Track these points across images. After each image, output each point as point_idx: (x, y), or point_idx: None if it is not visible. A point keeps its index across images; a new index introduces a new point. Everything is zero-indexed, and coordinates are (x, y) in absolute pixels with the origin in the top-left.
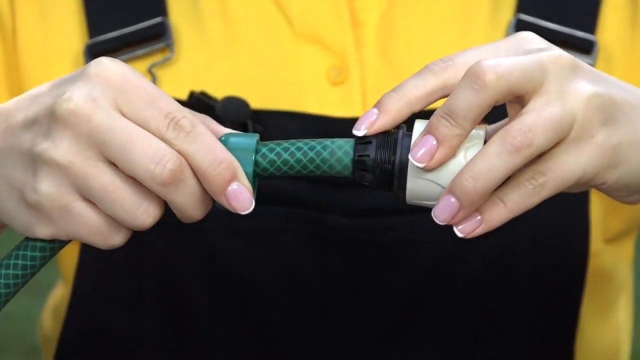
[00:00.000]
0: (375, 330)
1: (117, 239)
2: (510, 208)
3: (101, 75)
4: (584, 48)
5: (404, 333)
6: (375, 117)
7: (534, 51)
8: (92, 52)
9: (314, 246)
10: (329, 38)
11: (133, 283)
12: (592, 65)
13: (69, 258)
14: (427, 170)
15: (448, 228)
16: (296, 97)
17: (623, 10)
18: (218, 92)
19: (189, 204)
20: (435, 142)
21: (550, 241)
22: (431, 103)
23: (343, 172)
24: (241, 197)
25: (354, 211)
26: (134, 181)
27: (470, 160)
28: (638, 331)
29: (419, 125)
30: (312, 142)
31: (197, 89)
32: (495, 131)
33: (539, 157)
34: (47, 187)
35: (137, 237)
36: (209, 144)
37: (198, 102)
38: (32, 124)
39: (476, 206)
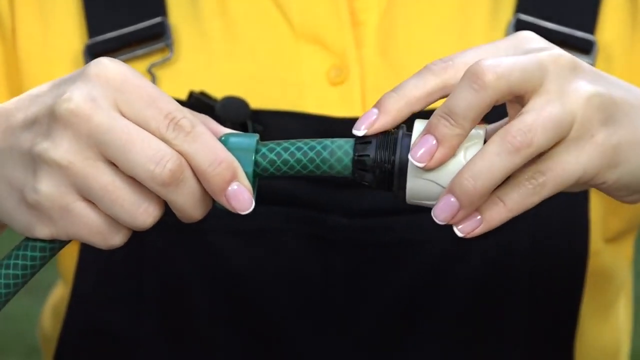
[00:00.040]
0: (375, 330)
1: (117, 239)
2: (510, 208)
3: (101, 76)
4: (584, 48)
5: (404, 333)
6: (375, 117)
7: (533, 51)
8: (92, 52)
9: (314, 246)
10: (328, 38)
11: (133, 283)
12: (592, 65)
13: (68, 258)
14: (426, 170)
15: (448, 228)
16: (296, 97)
17: (623, 10)
18: (218, 92)
19: (189, 204)
20: (435, 141)
21: (550, 241)
22: (431, 103)
23: (343, 172)
24: (241, 197)
25: (354, 211)
26: (134, 181)
27: (470, 160)
28: (638, 331)
29: (419, 125)
30: (312, 142)
31: (197, 89)
32: (495, 131)
33: (539, 156)
34: (47, 187)
35: (137, 237)
36: (209, 144)
37: (198, 102)
38: (32, 124)
39: (476, 206)
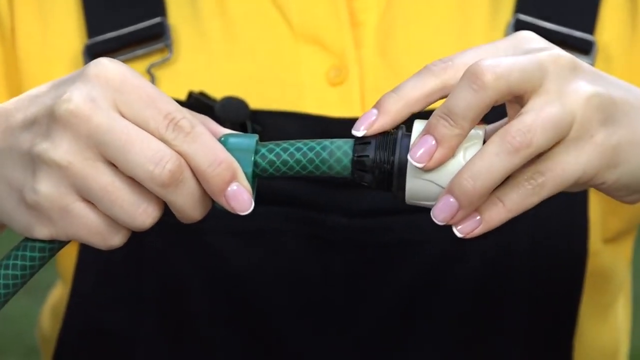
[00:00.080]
0: (374, 330)
1: (116, 240)
2: (509, 208)
3: (100, 76)
4: (583, 48)
5: (403, 333)
6: (374, 117)
7: (533, 51)
8: (91, 52)
9: (314, 246)
10: (328, 38)
11: (132, 283)
12: (591, 65)
13: (67, 258)
14: (426, 170)
15: (447, 228)
16: (295, 97)
17: (622, 11)
18: (217, 92)
19: (188, 205)
20: (434, 142)
21: (549, 241)
22: (430, 104)
23: (342, 173)
24: (240, 198)
25: (353, 211)
26: (134, 182)
27: (469, 160)
28: (637, 331)
29: (418, 126)
30: (312, 143)
31: (196, 89)
32: (494, 131)
33: (538, 157)
34: (46, 187)
35: (136, 238)
36: (208, 145)
37: (197, 103)
38: (31, 124)
39: (475, 206)
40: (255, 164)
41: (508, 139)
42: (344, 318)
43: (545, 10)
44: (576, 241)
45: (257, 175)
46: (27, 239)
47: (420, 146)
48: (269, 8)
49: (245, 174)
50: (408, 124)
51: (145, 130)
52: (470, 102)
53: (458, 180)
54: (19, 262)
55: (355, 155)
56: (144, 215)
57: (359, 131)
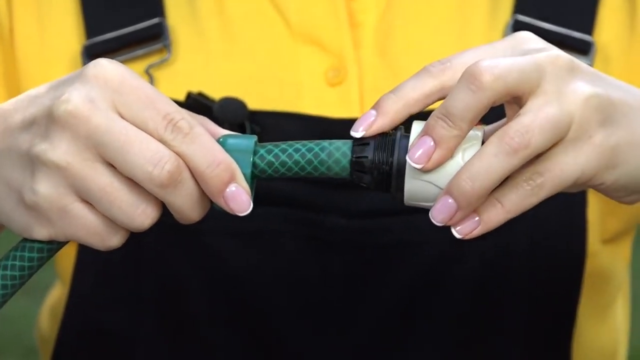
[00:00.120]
0: (374, 331)
1: (114, 240)
2: (508, 209)
3: (99, 77)
4: (582, 49)
5: (403, 333)
6: (373, 118)
7: (532, 51)
8: (90, 53)
9: (312, 247)
10: (326, 39)
11: (131, 284)
12: (590, 66)
13: (66, 259)
14: (424, 171)
15: (446, 229)
16: (294, 97)
17: (621, 11)
18: (215, 92)
19: (187, 206)
20: (432, 143)
21: (548, 242)
22: (429, 104)
23: (341, 174)
24: (239, 199)
25: (352, 212)
26: (132, 182)
27: (467, 161)
28: (635, 331)
29: (417, 127)
30: (310, 144)
31: (195, 89)
32: (493, 132)
33: (537, 157)
34: (45, 188)
35: (135, 238)
36: (207, 146)
37: (195, 103)
38: (30, 125)
39: (474, 207)
40: (254, 165)
41: (506, 140)
42: (343, 319)
43: (544, 11)
44: (575, 242)
45: (256, 176)
46: (25, 240)
47: (418, 147)
48: (268, 8)
49: (244, 175)
50: (407, 125)
51: (144, 131)
52: (469, 103)
53: (456, 181)
54: (17, 263)
55: (354, 156)
56: (143, 216)
57: (357, 132)
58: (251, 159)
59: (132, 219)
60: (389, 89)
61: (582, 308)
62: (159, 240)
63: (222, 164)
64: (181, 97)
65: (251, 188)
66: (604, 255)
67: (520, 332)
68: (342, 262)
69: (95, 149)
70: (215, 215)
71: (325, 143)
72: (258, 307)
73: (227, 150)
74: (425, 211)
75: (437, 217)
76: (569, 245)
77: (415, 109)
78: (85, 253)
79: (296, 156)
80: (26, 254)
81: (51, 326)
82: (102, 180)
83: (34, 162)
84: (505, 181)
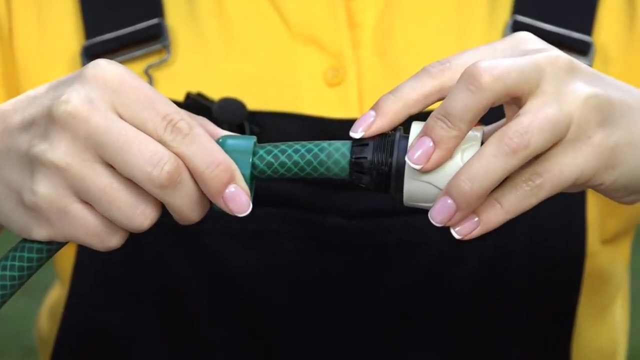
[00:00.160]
0: (374, 331)
1: (114, 241)
2: (507, 209)
3: (98, 77)
4: (581, 49)
5: (403, 334)
6: (372, 119)
7: (531, 52)
8: (89, 54)
9: (312, 248)
10: (325, 39)
11: (130, 284)
12: (589, 66)
13: (65, 259)
14: (423, 172)
15: (445, 230)
16: (293, 98)
17: (620, 11)
18: (214, 93)
19: (186, 206)
20: (431, 143)
21: (547, 242)
22: (428, 105)
23: (340, 175)
24: (238, 200)
25: (351, 213)
26: (132, 183)
27: (467, 161)
28: (635, 331)
29: (416, 127)
30: (310, 145)
31: (194, 90)
32: (492, 132)
33: (536, 158)
34: (44, 189)
35: (134, 239)
36: (206, 146)
37: (194, 104)
38: (29, 125)
39: (473, 208)
40: (253, 165)
41: (506, 141)
42: (343, 319)
43: (543, 11)
44: (574, 242)
45: (255, 177)
46: (25, 240)
47: (417, 148)
48: (267, 8)
49: (243, 175)
50: (406, 125)
51: (143, 132)
52: (468, 103)
53: (456, 182)
54: (16, 263)
55: (353, 157)
56: (142, 216)
57: (356, 133)
58: (250, 160)
59: (132, 220)
60: (388, 89)
61: (582, 308)
62: (159, 241)
63: (221, 165)
64: (180, 97)
65: (250, 189)
66: (604, 256)
67: (520, 332)
68: (341, 262)
69: (94, 149)
70: (215, 215)
71: (325, 144)
72: (258, 307)
73: (227, 151)
74: (424, 212)
75: (437, 217)
76: (568, 245)
77: (414, 110)
78: (85, 253)
79: (295, 157)
80: (25, 255)
81: (50, 326)
82: (102, 181)
83: (33, 163)
84: (505, 182)
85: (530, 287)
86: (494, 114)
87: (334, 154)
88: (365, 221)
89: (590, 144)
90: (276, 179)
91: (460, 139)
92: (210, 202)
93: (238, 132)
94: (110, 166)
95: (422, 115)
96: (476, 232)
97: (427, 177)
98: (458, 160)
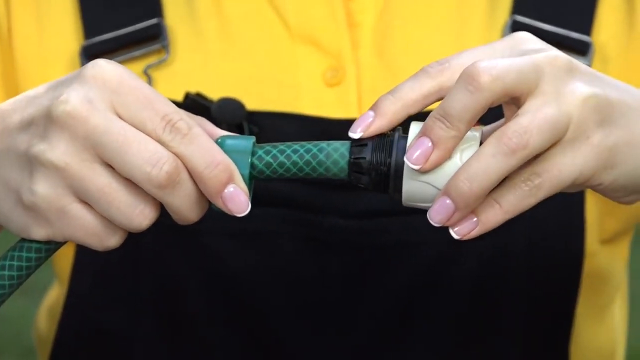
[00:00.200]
0: (373, 331)
1: (112, 241)
2: (506, 209)
3: (97, 77)
4: (580, 49)
5: (401, 334)
6: (371, 119)
7: (530, 52)
8: (88, 54)
9: (310, 248)
10: (324, 39)
11: (129, 284)
12: (588, 66)
13: (64, 259)
14: (422, 172)
15: (444, 230)
16: (292, 98)
17: (619, 11)
18: (213, 93)
19: (185, 206)
20: (430, 144)
21: (546, 242)
22: (427, 105)
23: (339, 175)
24: (237, 200)
25: (350, 213)
26: (130, 183)
27: (465, 162)
28: (633, 331)
29: (415, 128)
30: (308, 145)
31: (193, 90)
32: (491, 132)
33: (535, 158)
34: (43, 188)
35: (133, 239)
36: (205, 146)
37: (193, 104)
38: (28, 125)
39: (472, 208)
40: (252, 165)
41: (504, 141)
42: (342, 319)
43: (542, 11)
44: (573, 242)
45: (254, 177)
46: (23, 240)
47: (416, 148)
48: (266, 8)
49: (242, 175)
50: (405, 125)
51: (143, 132)
52: (466, 103)
53: (454, 182)
54: (15, 263)
55: (352, 157)
56: (141, 216)
57: (355, 133)
58: (249, 160)
59: (130, 220)
60: (387, 90)
61: (580, 308)
62: (157, 241)
63: (220, 165)
64: (179, 97)
65: (249, 189)
66: (602, 256)
67: (519, 332)
68: (340, 262)
69: (93, 149)
70: (213, 216)
71: (324, 144)
72: (257, 307)
73: (226, 151)
74: (423, 212)
75: (435, 217)
76: (567, 245)
77: (413, 110)
78: (84, 253)
79: (294, 157)
80: (24, 254)
81: (49, 326)
82: (100, 181)
83: (32, 163)
84: (504, 182)
85: (529, 287)
86: (493, 114)
87: (333, 154)
88: (364, 221)
89: (589, 144)
90: (275, 179)
91: (459, 139)
92: (209, 202)
93: (237, 132)
94: (109, 166)
95: (421, 116)
96: (475, 232)
97: (425, 177)
98: (457, 161)
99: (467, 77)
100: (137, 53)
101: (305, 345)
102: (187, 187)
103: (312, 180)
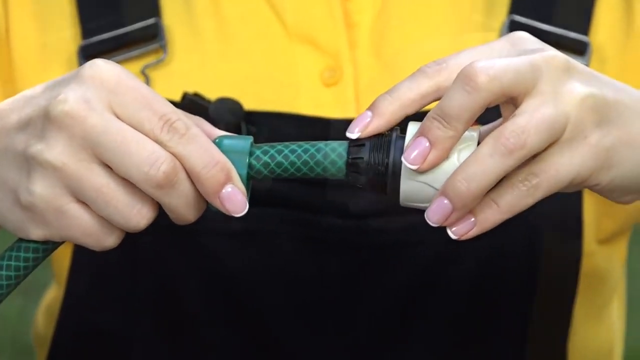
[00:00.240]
0: (372, 331)
1: (110, 241)
2: (503, 210)
3: (95, 77)
4: (578, 49)
5: (400, 334)
6: (369, 119)
7: (528, 52)
8: (86, 54)
9: (309, 248)
10: (322, 39)
11: (127, 284)
12: (586, 66)
13: (62, 259)
14: (420, 172)
15: (442, 230)
16: (290, 98)
17: (617, 11)
18: (211, 93)
19: (182, 206)
20: (428, 144)
21: (544, 242)
22: (425, 105)
23: (337, 175)
24: (235, 200)
25: (348, 213)
26: (128, 183)
27: (463, 162)
28: (631, 331)
29: (412, 128)
30: (306, 145)
31: (191, 90)
32: (488, 132)
33: (533, 158)
34: (41, 188)
35: (131, 239)
36: (203, 146)
37: (191, 103)
38: (26, 125)
39: (469, 208)
40: (250, 165)
41: (502, 141)
42: (340, 319)
43: (540, 11)
44: (570, 242)
45: (252, 177)
46: (21, 240)
47: (414, 148)
48: (264, 8)
49: (240, 175)
50: (402, 125)
51: (140, 132)
52: (464, 103)
53: (452, 182)
54: (12, 263)
55: (350, 157)
56: (139, 216)
57: (353, 133)
58: (247, 160)
59: (128, 220)
60: (384, 90)
61: (578, 308)
62: (155, 241)
63: (218, 165)
64: (177, 97)
65: (247, 189)
66: (600, 256)
67: (516, 332)
68: (338, 262)
69: (91, 149)
70: (211, 216)
71: (321, 144)
72: (255, 307)
73: (223, 151)
74: (421, 212)
75: (433, 218)
76: (564, 245)
77: (411, 110)
78: (81, 253)
79: (292, 157)
80: (22, 254)
81: (47, 326)
82: (98, 181)
83: (29, 163)
84: (501, 182)
85: (527, 287)
86: (490, 114)
87: (331, 155)
88: (362, 221)
89: (586, 144)
90: (273, 179)
91: (456, 139)
92: (207, 202)
93: (235, 132)
94: (107, 166)
95: (419, 116)
96: (473, 233)
97: (423, 178)
98: (454, 161)
99: (465, 77)
100: (134, 53)
101: (304, 344)
102: (184, 187)
103: (310, 180)
